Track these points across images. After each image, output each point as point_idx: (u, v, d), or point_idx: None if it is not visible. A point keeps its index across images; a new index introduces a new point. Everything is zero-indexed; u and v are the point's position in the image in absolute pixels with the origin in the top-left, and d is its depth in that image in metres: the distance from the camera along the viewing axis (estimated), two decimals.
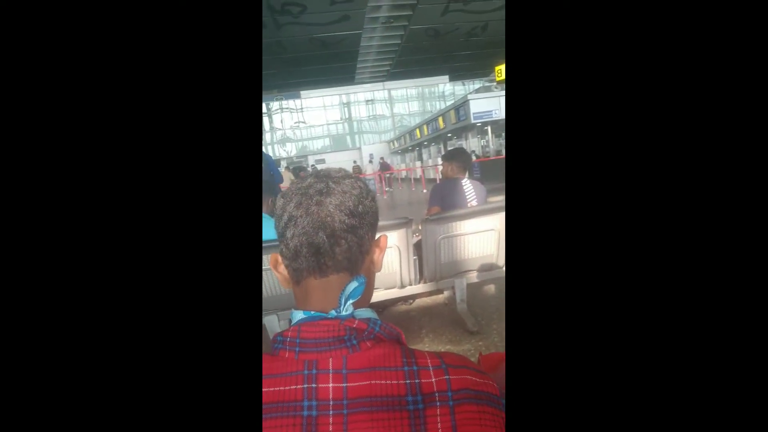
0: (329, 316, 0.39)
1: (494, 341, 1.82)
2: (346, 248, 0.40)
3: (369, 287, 0.43)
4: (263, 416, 0.35)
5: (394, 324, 0.41)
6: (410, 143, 18.12)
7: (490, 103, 10.45)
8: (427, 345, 1.88)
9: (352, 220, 0.40)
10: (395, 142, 21.23)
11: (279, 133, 23.01)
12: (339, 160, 20.29)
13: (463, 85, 21.04)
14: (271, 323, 1.79)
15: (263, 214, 1.82)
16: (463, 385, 0.36)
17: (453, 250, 1.94)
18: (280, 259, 0.42)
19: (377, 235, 0.45)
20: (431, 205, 2.17)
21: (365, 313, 0.41)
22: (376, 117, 24.06)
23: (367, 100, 23.69)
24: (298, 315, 0.40)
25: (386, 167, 13.97)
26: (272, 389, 0.36)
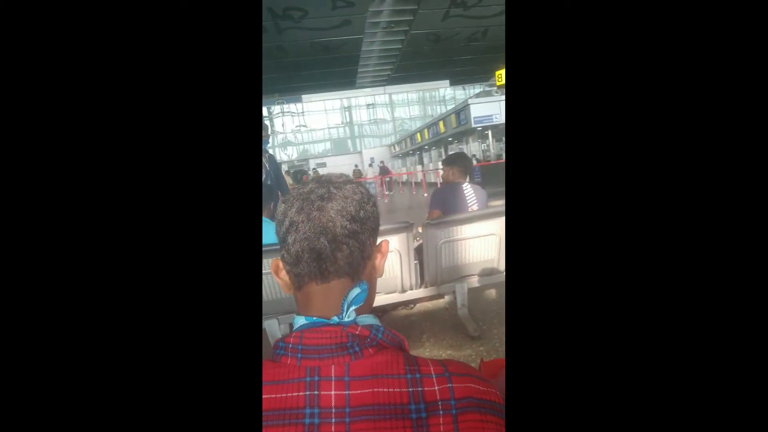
0: (331, 323, 0.39)
1: (495, 346, 1.81)
2: (347, 254, 0.39)
3: (371, 293, 0.43)
4: (265, 423, 0.35)
5: (396, 330, 0.40)
6: (411, 147, 18.16)
7: (490, 107, 10.48)
8: (428, 350, 1.87)
9: (354, 226, 0.40)
10: (396, 146, 21.28)
11: (280, 137, 23.08)
12: (340, 164, 20.33)
13: (464, 89, 21.11)
14: (272, 327, 1.79)
15: (264, 219, 1.82)
16: (466, 394, 0.36)
17: (454, 254, 1.93)
18: (281, 264, 0.42)
19: (378, 240, 0.45)
20: (432, 209, 2.17)
21: (367, 319, 0.41)
22: (377, 121, 24.13)
23: (368, 104, 23.78)
24: (300, 321, 0.40)
25: (386, 171, 13.99)
26: (274, 396, 0.36)
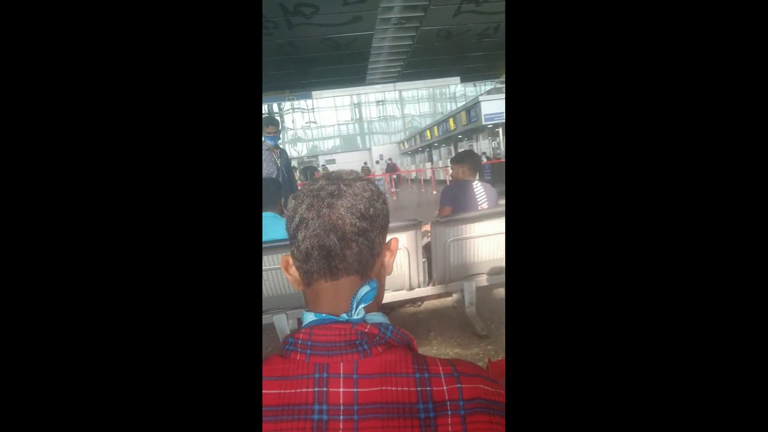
0: (340, 320, 0.39)
1: (503, 345, 1.80)
2: (357, 251, 0.39)
3: (380, 291, 0.43)
4: (275, 418, 0.35)
5: (405, 329, 0.40)
6: (420, 144, 18.09)
7: (501, 104, 10.37)
8: (435, 348, 1.87)
9: (363, 223, 0.40)
10: (405, 143, 21.22)
11: (290, 133, 23.19)
12: (349, 161, 20.38)
13: (475, 86, 20.92)
14: (280, 322, 1.81)
15: (274, 214, 1.83)
16: (475, 395, 0.35)
17: (463, 252, 1.92)
18: (291, 260, 0.42)
19: (387, 238, 0.44)
20: (442, 207, 2.16)
21: (376, 317, 0.41)
22: (386, 118, 24.08)
23: (378, 101, 23.73)
24: (309, 317, 0.40)
25: (393, 168, 13.95)
26: (283, 391, 0.36)
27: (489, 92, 12.45)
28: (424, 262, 1.90)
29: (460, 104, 16.14)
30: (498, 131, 11.49)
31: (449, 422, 0.34)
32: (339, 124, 23.74)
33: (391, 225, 0.45)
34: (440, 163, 14.19)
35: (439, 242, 1.87)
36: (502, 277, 2.05)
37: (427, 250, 1.94)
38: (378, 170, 14.75)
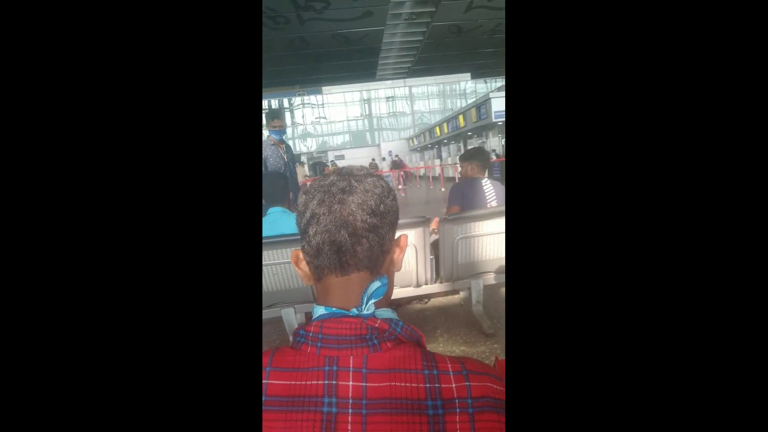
0: (351, 314, 0.39)
1: None
2: (367, 247, 0.40)
3: (389, 287, 0.43)
4: (285, 408, 0.36)
5: (414, 326, 0.40)
6: (430, 141, 18.00)
7: None
8: (441, 345, 1.87)
9: (374, 220, 0.40)
10: (414, 139, 21.13)
11: (300, 129, 23.27)
12: (358, 157, 20.37)
13: (485, 83, 20.70)
14: (288, 316, 1.82)
15: (283, 209, 1.84)
16: (483, 393, 0.36)
17: (471, 250, 1.92)
18: (301, 255, 0.43)
19: (397, 235, 0.45)
20: (450, 205, 2.15)
21: (386, 313, 0.41)
22: (396, 114, 24.00)
23: (388, 97, 23.64)
24: (320, 310, 0.41)
25: (399, 165, 13.89)
26: (294, 383, 0.37)
27: (499, 89, 12.31)
28: (431, 260, 1.90)
29: (470, 101, 16.01)
30: None
31: (457, 420, 0.34)
32: (348, 120, 23.73)
33: (399, 222, 0.45)
34: (449, 160, 14.11)
35: (447, 240, 1.86)
36: None
37: (434, 247, 1.94)
38: (385, 167, 14.70)
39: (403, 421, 0.34)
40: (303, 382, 0.37)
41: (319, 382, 0.36)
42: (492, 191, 2.12)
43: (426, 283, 1.93)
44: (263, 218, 1.86)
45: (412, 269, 1.86)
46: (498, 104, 10.45)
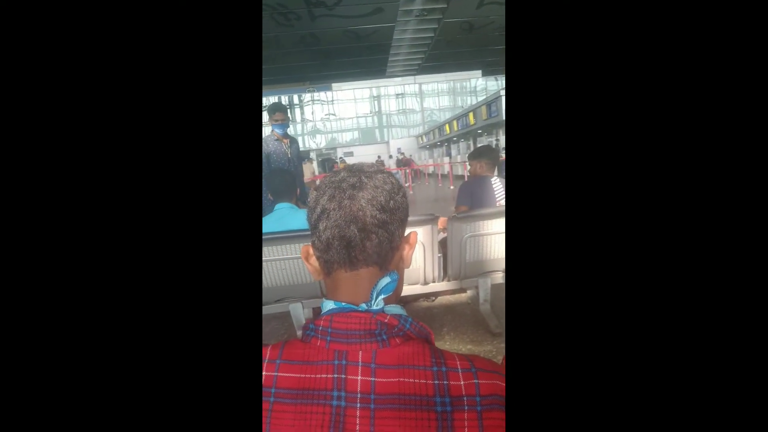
0: (360, 309, 0.39)
1: None
2: (376, 243, 0.40)
3: (399, 284, 0.43)
4: (294, 401, 0.36)
5: (423, 323, 0.41)
6: (439, 138, 17.92)
7: None
8: (448, 344, 1.87)
9: (384, 215, 0.40)
10: (424, 137, 21.05)
11: (309, 125, 23.35)
12: (367, 153, 20.38)
13: (496, 80, 20.49)
14: (296, 310, 1.84)
15: (291, 205, 1.85)
16: (492, 391, 0.36)
17: (479, 249, 1.91)
18: (311, 250, 0.43)
19: (407, 232, 0.45)
20: (459, 204, 2.14)
21: (395, 309, 0.41)
22: (405, 111, 23.92)
23: (398, 94, 23.57)
24: (329, 305, 0.41)
25: (405, 163, 13.82)
26: (304, 376, 0.37)
27: None
28: (439, 257, 1.90)
29: (480, 98, 15.87)
30: None
31: (465, 417, 0.34)
32: (358, 117, 23.73)
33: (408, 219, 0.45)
34: (458, 158, 14.04)
35: (456, 238, 1.86)
36: None
37: (442, 245, 1.93)
38: (393, 165, 14.66)
39: (411, 417, 0.34)
40: (312, 375, 0.37)
41: (329, 375, 0.37)
42: (501, 190, 2.11)
43: (433, 281, 1.93)
44: (271, 214, 1.88)
45: (419, 267, 1.86)
46: None
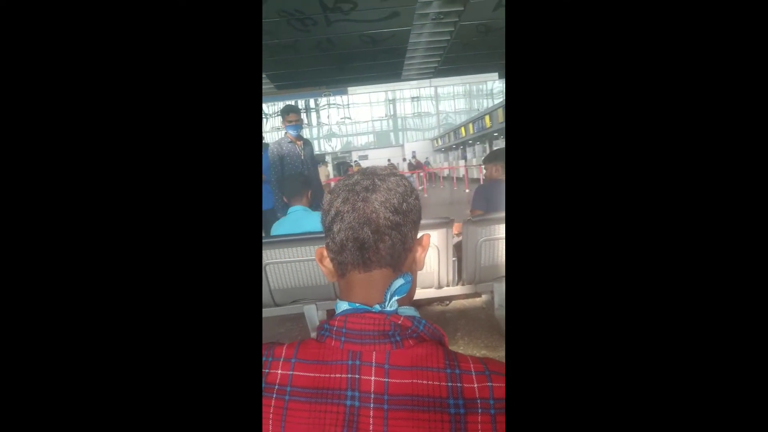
0: (374, 310, 0.40)
1: None
2: (389, 244, 0.40)
3: (412, 286, 0.43)
4: (309, 400, 0.37)
5: (437, 325, 0.41)
6: (455, 141, 17.83)
7: None
8: (461, 348, 1.85)
9: (397, 217, 0.40)
10: (439, 140, 20.98)
11: (325, 129, 23.60)
12: (381, 157, 20.45)
13: None
14: (310, 312, 1.86)
15: (304, 208, 1.87)
16: (505, 395, 0.35)
17: (494, 253, 1.88)
18: (325, 252, 0.43)
19: (420, 234, 0.45)
20: (474, 208, 2.12)
21: (409, 311, 0.42)
22: (420, 114, 23.91)
23: (413, 97, 23.59)
24: (343, 305, 0.41)
25: (417, 166, 13.79)
26: (319, 375, 0.38)
27: None
28: (454, 261, 1.88)
29: (497, 101, 15.73)
30: None
31: (479, 420, 0.34)
32: (373, 120, 23.85)
33: (421, 222, 0.45)
34: (474, 161, 13.93)
35: (471, 242, 1.84)
36: None
37: (457, 249, 1.92)
38: (405, 168, 14.63)
39: (424, 418, 0.34)
40: (327, 375, 0.37)
41: (343, 375, 0.37)
42: None
43: (448, 285, 1.92)
44: (285, 217, 1.91)
45: (434, 270, 1.85)
46: None
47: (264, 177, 2.66)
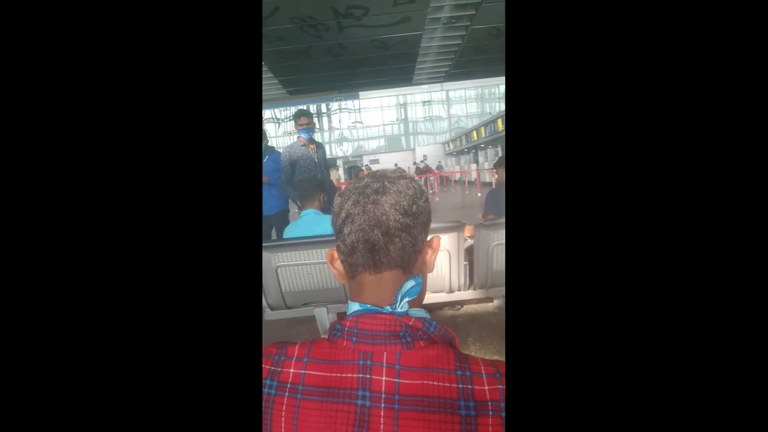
0: (385, 311, 0.40)
1: None
2: (400, 246, 0.40)
3: (423, 288, 0.43)
4: (321, 399, 0.37)
5: (448, 327, 0.41)
6: (466, 145, 17.75)
7: None
8: (472, 353, 1.82)
9: (407, 219, 0.41)
10: (450, 143, 20.93)
11: (336, 133, 23.79)
12: (392, 161, 20.50)
13: None
14: (321, 315, 1.86)
15: (315, 211, 1.89)
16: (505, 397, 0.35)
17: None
18: (336, 254, 0.44)
19: (430, 236, 0.45)
20: (486, 213, 2.11)
21: (419, 312, 0.42)
22: (432, 118, 23.90)
23: (424, 101, 23.62)
24: (354, 306, 0.42)
25: (425, 170, 13.75)
26: (331, 375, 0.38)
27: None
28: (465, 265, 1.87)
29: None
30: None
31: (490, 423, 0.34)
32: (384, 125, 23.94)
33: (432, 226, 0.45)
34: (486, 165, 13.85)
35: (482, 246, 1.82)
36: None
37: (469, 253, 1.90)
38: (413, 172, 14.61)
39: (435, 419, 0.34)
40: (338, 375, 0.38)
41: (354, 375, 0.37)
42: None
43: (459, 290, 1.90)
44: (297, 221, 1.93)
45: (445, 275, 1.84)
46: None
47: (266, 179, 2.68)
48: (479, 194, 9.74)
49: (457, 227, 1.75)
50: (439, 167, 18.10)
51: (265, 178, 2.67)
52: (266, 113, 21.02)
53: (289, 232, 1.91)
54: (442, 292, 1.90)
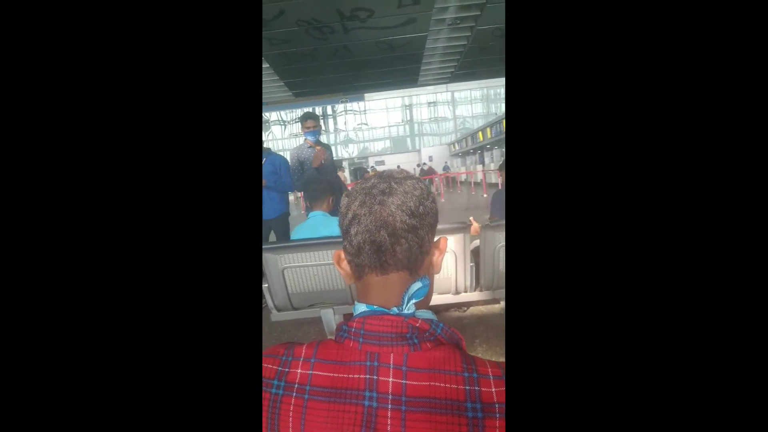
0: (392, 313, 0.40)
1: None
2: (406, 247, 0.40)
3: (430, 289, 0.43)
4: (328, 399, 0.37)
5: (455, 329, 0.40)
6: (472, 146, 17.68)
7: None
8: (479, 355, 1.82)
9: (413, 220, 0.41)
10: (456, 144, 20.87)
11: (342, 135, 23.85)
12: (398, 162, 20.50)
13: None
14: (327, 316, 1.87)
15: (323, 213, 1.90)
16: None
17: None
18: (343, 255, 0.44)
19: (436, 237, 0.45)
20: (493, 215, 2.10)
21: (426, 314, 0.42)
22: (437, 119, 23.86)
23: (430, 103, 23.59)
24: (361, 307, 0.42)
25: (429, 172, 13.71)
26: (338, 375, 0.38)
27: None
28: (471, 267, 1.86)
29: None
30: None
31: (497, 425, 0.34)
32: (389, 126, 23.95)
33: (438, 227, 0.45)
34: (492, 166, 13.79)
35: (489, 247, 1.81)
36: None
37: (475, 254, 1.89)
38: (418, 174, 14.56)
39: (442, 420, 0.34)
40: (345, 375, 0.38)
41: (361, 376, 0.37)
42: None
43: (465, 291, 1.89)
44: (304, 222, 1.93)
45: (451, 276, 1.83)
46: None
47: (264, 183, 2.69)
48: (485, 195, 9.70)
49: (462, 228, 1.75)
50: (446, 168, 18.02)
51: (263, 182, 2.67)
52: (272, 115, 21.14)
53: (297, 233, 1.92)
54: (448, 293, 1.90)
